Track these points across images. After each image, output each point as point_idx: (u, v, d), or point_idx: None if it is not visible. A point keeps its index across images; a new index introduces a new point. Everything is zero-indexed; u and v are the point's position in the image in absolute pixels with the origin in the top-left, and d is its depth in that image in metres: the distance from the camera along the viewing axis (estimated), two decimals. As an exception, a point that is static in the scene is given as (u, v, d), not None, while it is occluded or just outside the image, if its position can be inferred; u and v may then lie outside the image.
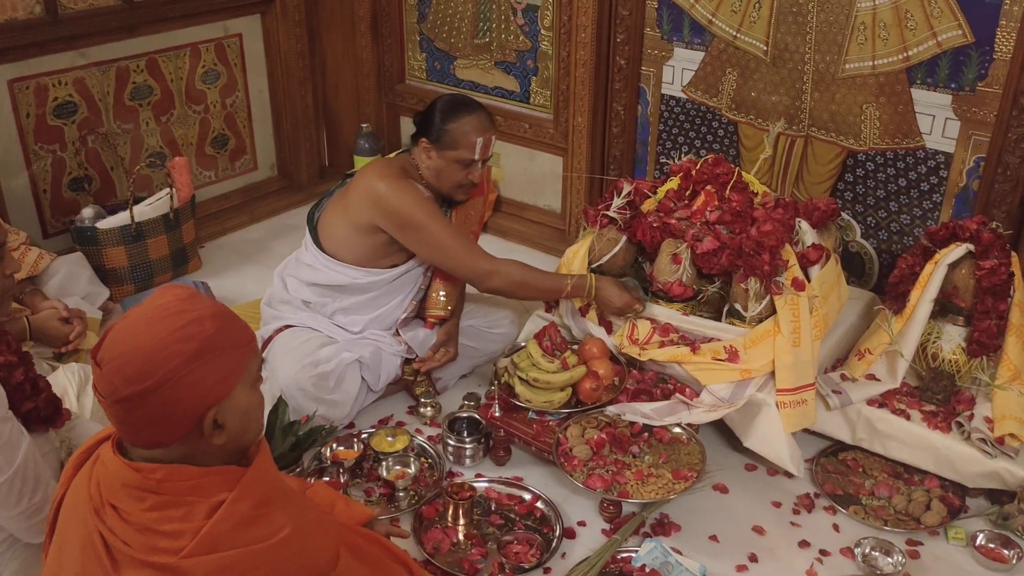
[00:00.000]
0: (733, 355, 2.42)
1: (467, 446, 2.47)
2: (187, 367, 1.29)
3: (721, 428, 2.56)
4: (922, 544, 2.25)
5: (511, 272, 2.54)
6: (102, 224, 3.18)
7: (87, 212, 3.27)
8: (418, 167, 2.60)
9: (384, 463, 2.38)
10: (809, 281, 2.46)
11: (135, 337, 1.31)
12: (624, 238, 2.69)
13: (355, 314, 2.67)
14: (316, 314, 2.68)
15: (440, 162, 2.56)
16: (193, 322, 1.32)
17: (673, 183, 2.80)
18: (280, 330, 2.66)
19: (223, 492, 1.33)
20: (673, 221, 2.61)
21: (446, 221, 2.56)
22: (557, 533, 2.23)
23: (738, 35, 2.99)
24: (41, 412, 2.03)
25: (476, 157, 2.54)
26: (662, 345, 2.53)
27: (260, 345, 2.74)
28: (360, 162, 3.91)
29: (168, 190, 3.32)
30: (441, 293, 2.71)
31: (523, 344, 2.64)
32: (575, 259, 2.74)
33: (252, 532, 1.32)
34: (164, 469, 1.33)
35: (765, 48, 2.95)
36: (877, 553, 2.17)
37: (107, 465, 1.36)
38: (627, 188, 2.74)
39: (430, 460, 2.49)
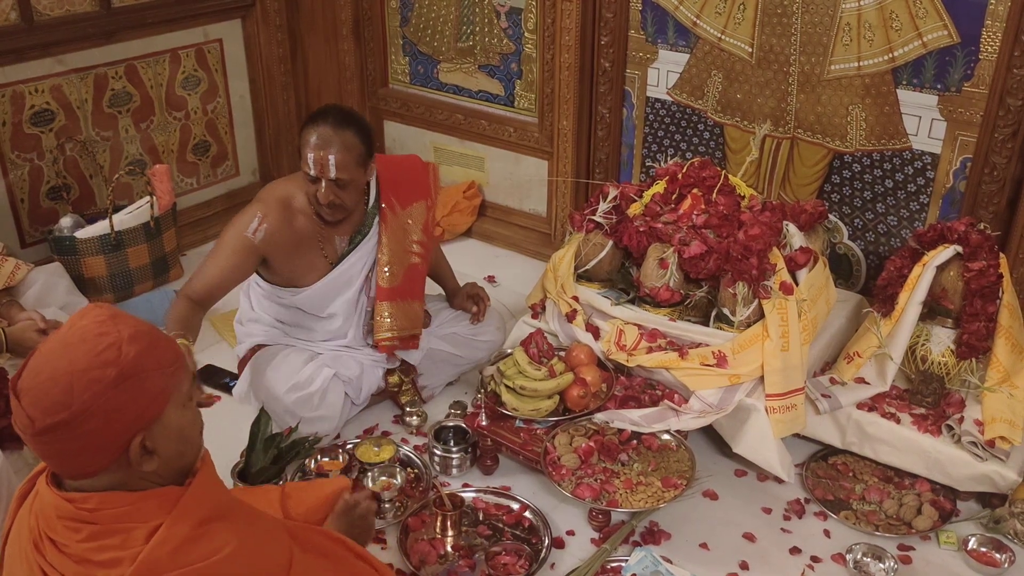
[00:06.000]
0: (721, 360, 2.40)
1: (454, 455, 2.44)
2: (106, 395, 1.23)
3: (710, 434, 2.54)
4: (913, 549, 2.23)
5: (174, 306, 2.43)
6: (81, 233, 3.14)
7: (66, 221, 3.22)
8: None
9: (370, 474, 2.35)
10: (797, 285, 2.45)
11: (51, 364, 1.25)
12: (610, 243, 2.67)
13: (302, 335, 2.64)
14: (288, 331, 2.64)
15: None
16: (111, 346, 1.26)
17: (659, 187, 2.78)
18: (255, 349, 2.63)
19: (161, 515, 1.28)
20: (660, 225, 2.59)
21: (227, 252, 2.44)
22: (546, 543, 2.20)
23: (723, 37, 2.97)
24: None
25: (311, 172, 2.35)
26: (650, 351, 2.51)
27: (237, 364, 2.71)
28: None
29: (149, 198, 3.28)
30: (386, 315, 2.58)
31: (509, 351, 2.61)
32: (561, 264, 2.72)
33: (194, 552, 1.28)
34: (96, 497, 1.28)
35: (750, 50, 2.93)
36: (869, 559, 2.15)
37: (43, 497, 1.32)
38: (613, 192, 2.72)
39: (416, 470, 2.45)
